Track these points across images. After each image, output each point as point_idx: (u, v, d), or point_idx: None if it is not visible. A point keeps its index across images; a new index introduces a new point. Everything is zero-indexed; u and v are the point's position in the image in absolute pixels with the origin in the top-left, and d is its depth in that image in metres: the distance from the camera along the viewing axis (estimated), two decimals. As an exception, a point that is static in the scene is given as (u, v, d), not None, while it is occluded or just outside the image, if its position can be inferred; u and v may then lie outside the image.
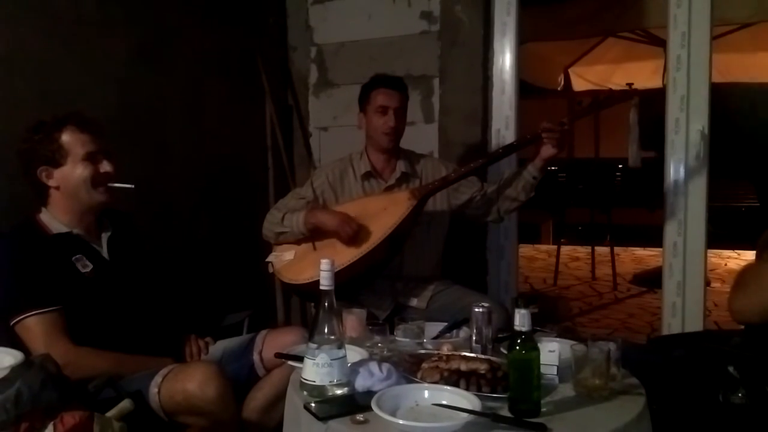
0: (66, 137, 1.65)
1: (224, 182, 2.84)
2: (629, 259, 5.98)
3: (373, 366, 1.34)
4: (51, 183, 1.66)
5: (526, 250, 6.23)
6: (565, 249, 5.81)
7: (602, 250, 5.27)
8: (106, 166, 1.69)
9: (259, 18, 3.07)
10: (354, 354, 1.45)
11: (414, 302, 2.24)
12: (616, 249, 5.13)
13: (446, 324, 1.75)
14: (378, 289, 2.21)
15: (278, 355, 1.58)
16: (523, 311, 1.23)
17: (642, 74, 5.24)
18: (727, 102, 3.84)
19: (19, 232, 1.67)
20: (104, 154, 1.70)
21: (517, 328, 1.23)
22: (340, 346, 1.31)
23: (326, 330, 1.31)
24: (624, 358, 1.42)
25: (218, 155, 2.80)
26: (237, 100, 2.95)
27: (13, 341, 1.57)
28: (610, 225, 5.17)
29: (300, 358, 1.38)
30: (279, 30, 3.20)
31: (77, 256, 1.67)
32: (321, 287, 1.32)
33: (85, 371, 1.55)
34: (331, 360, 1.29)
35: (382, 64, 2.82)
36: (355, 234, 2.07)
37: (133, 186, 1.74)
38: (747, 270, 1.34)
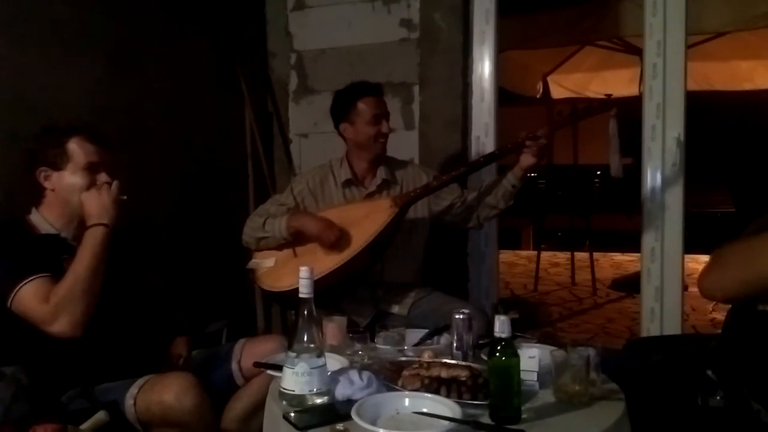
0: (72, 144, 1.69)
1: (203, 189, 2.81)
2: (608, 264, 6.05)
3: (354, 374, 1.32)
4: (47, 185, 1.70)
5: (506, 256, 6.27)
6: (546, 255, 5.85)
7: (582, 256, 5.32)
8: (103, 178, 1.71)
9: (237, 24, 3.05)
10: (334, 362, 1.44)
11: (395, 309, 2.23)
12: (596, 254, 5.19)
13: (427, 331, 1.75)
14: (359, 296, 2.20)
15: (257, 365, 1.56)
16: (502, 318, 1.23)
17: (619, 82, 5.33)
18: (704, 110, 3.90)
19: (8, 226, 1.68)
20: (105, 168, 1.73)
21: (497, 334, 1.23)
22: (320, 355, 1.30)
23: (306, 338, 1.29)
24: (603, 363, 1.42)
25: (197, 162, 2.77)
26: (216, 107, 2.92)
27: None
28: (589, 231, 5.22)
29: (279, 367, 1.36)
30: (258, 36, 3.19)
31: (65, 256, 1.66)
32: (300, 295, 1.31)
33: (77, 302, 1.54)
34: (311, 369, 1.28)
35: (362, 71, 2.82)
36: (337, 240, 2.06)
37: (125, 197, 1.74)
38: (721, 249, 1.35)
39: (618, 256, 6.32)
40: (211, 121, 2.89)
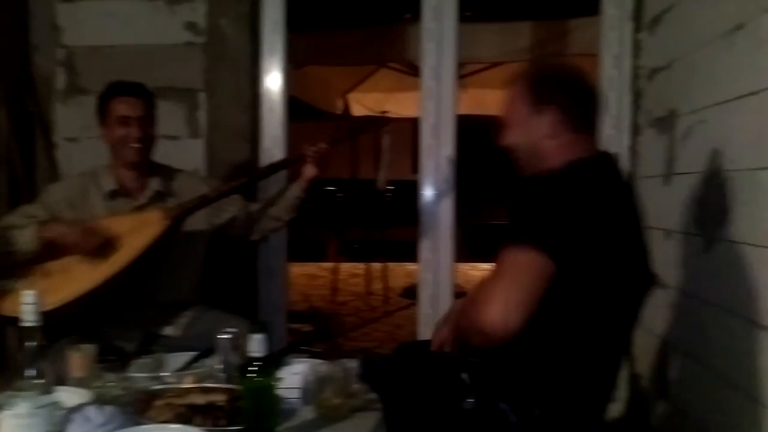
0: None
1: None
2: (402, 273, 6.36)
3: (92, 410, 1.18)
4: None
5: (309, 268, 6.31)
6: (346, 266, 5.99)
7: (379, 266, 5.54)
8: None
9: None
10: (73, 397, 1.27)
11: (169, 331, 2.07)
12: (391, 264, 5.44)
13: (194, 353, 1.64)
14: (126, 318, 2.00)
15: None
16: (257, 336, 1.19)
17: (411, 103, 5.67)
18: (481, 131, 4.32)
19: None
20: None
21: (251, 354, 1.19)
22: (49, 391, 1.13)
23: (31, 373, 1.12)
24: (369, 370, 1.45)
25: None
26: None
27: None
28: (385, 242, 5.48)
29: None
30: (19, 27, 2.79)
31: None
32: (23, 323, 1.13)
33: None
34: (36, 409, 1.10)
35: (142, 73, 2.57)
36: (101, 246, 1.85)
37: None
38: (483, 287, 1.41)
39: (411, 266, 6.69)
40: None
